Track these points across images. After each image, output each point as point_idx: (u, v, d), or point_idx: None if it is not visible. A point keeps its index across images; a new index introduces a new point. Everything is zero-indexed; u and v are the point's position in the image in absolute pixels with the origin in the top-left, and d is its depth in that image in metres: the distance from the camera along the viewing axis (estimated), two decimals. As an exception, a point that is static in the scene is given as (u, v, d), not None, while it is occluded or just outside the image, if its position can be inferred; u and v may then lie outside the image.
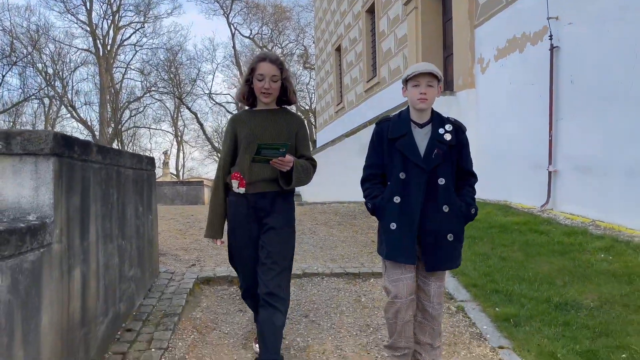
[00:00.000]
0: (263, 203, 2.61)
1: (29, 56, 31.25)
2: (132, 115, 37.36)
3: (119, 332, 3.12)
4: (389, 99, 10.89)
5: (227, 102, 36.41)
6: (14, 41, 29.63)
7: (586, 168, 5.47)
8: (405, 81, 2.44)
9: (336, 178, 8.03)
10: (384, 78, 12.31)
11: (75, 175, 2.51)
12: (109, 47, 35.71)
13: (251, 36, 35.89)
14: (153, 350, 2.94)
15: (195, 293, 3.81)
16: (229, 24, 35.17)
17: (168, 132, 40.23)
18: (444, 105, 8.09)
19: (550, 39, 5.97)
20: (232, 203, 2.69)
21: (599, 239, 4.37)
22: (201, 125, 35.81)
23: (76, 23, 37.86)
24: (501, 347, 2.94)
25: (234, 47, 35.68)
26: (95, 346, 2.76)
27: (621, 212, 4.94)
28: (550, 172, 5.99)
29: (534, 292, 3.55)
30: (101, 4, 34.51)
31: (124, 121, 36.49)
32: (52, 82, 33.97)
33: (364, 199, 2.54)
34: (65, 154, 2.38)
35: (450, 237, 2.38)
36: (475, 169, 2.52)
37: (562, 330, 3.01)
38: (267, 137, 2.60)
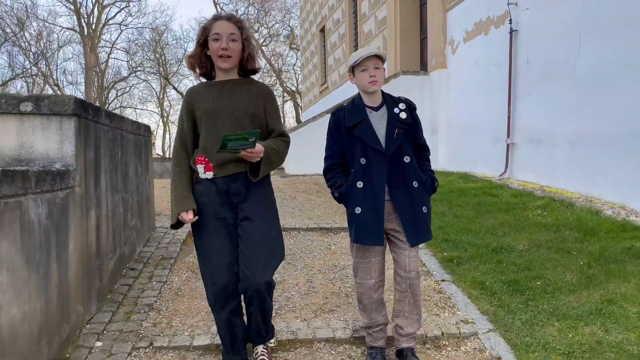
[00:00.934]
0: (236, 187, 2.28)
1: (14, 36, 31.06)
2: (119, 95, 37.44)
3: (124, 270, 3.70)
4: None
5: (214, 83, 36.47)
6: (1, 20, 29.43)
7: (537, 140, 6.11)
8: (352, 68, 2.45)
9: (318, 152, 8.58)
10: (365, 59, 12.82)
11: (90, 134, 3.05)
12: (93, 27, 35.54)
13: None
14: (154, 283, 3.53)
15: (187, 243, 4.39)
16: (215, 3, 35.14)
17: (154, 112, 40.38)
18: (418, 85, 8.70)
19: (510, 23, 6.55)
20: (199, 193, 2.30)
21: (539, 199, 5.03)
22: (188, 105, 35.97)
23: (60, 1, 37.53)
24: (443, 280, 3.57)
25: (220, 27, 35.69)
26: (106, 277, 3.34)
27: (564, 178, 5.60)
28: (508, 145, 6.63)
29: (478, 240, 4.19)
30: (86, -18, 34.19)
31: (110, 101, 36.54)
32: (37, 61, 33.82)
33: (329, 189, 2.54)
34: (83, 115, 2.93)
35: (424, 209, 2.44)
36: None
37: (494, 267, 3.65)
38: (229, 113, 2.27)
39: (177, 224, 2.33)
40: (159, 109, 39.05)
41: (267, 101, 2.39)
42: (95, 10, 35.16)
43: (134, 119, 4.55)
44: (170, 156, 2.30)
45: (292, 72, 36.03)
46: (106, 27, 36.32)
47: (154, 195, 4.90)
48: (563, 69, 5.65)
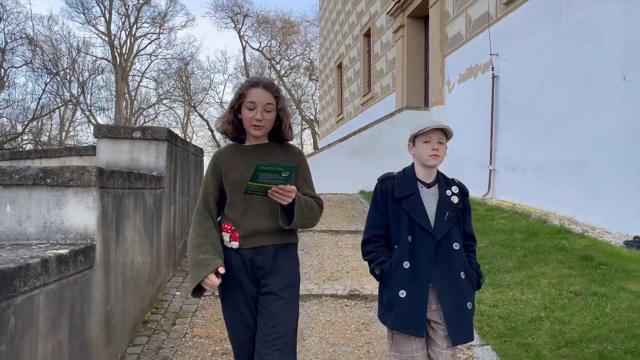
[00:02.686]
0: (261, 260, 2.13)
1: (63, 71, 33.27)
2: (146, 121, 39.55)
3: (185, 253, 5.07)
4: (381, 111, 12.85)
5: (236, 111, 38.36)
6: (54, 54, 31.75)
7: (512, 167, 7.39)
8: (414, 137, 2.26)
9: (331, 174, 9.97)
10: (377, 93, 14.29)
11: (173, 153, 4.47)
12: (125, 57, 37.93)
13: (260, 48, 38.04)
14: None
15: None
16: (240, 37, 37.37)
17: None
18: (420, 118, 10.06)
19: (492, 70, 7.92)
20: (225, 262, 2.13)
21: (505, 212, 6.29)
22: (212, 131, 37.83)
23: (96, 33, 40.13)
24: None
25: (244, 59, 37.82)
26: (177, 254, 4.71)
27: (532, 198, 6.85)
28: (490, 170, 7.92)
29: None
30: (120, 16, 36.74)
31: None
32: (70, 88, 36.10)
33: (368, 264, 2.29)
34: (171, 140, 4.35)
35: (469, 305, 2.18)
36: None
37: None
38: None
39: (198, 291, 2.11)
40: (183, 134, 41.11)
41: (298, 166, 2.21)
42: (128, 42, 37.69)
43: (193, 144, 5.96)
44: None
45: (311, 101, 37.84)
46: (137, 57, 38.83)
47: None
48: (532, 109, 6.96)
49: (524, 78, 7.21)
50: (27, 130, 23.11)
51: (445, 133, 2.22)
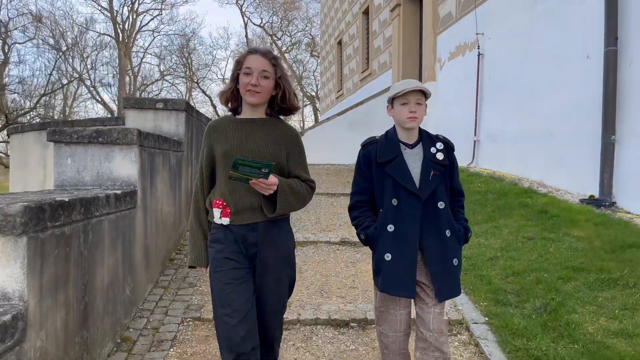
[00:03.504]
0: (253, 237, 2.11)
1: (55, 41, 33.65)
2: (150, 97, 40.09)
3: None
4: (378, 87, 13.49)
5: (238, 87, 38.83)
6: (58, 29, 32.07)
7: (493, 137, 8.10)
8: (392, 99, 2.27)
9: (330, 146, 10.70)
10: (374, 70, 14.89)
11: (190, 122, 5.19)
12: (127, 33, 38.24)
13: (262, 24, 38.30)
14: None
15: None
16: (242, 13, 37.61)
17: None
18: (412, 93, 10.73)
19: (478, 49, 8.55)
20: (216, 240, 2.14)
21: (483, 177, 7.03)
22: (214, 107, 38.40)
23: (98, 9, 40.37)
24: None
25: (246, 35, 38.14)
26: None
27: (510, 165, 7.56)
28: (474, 141, 8.63)
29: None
30: (122, -9, 36.90)
31: (141, 102, 39.21)
32: (73, 64, 36.50)
33: (355, 228, 2.35)
34: (188, 110, 5.06)
35: (455, 261, 2.23)
36: None
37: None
38: (248, 154, 2.10)
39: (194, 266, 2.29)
40: (186, 110, 41.64)
41: (291, 146, 2.20)
42: (130, 18, 37.96)
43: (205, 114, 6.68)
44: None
45: (312, 77, 38.29)
46: (139, 33, 39.14)
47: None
48: (510, 84, 7.63)
49: (504, 56, 7.85)
50: (38, 105, 23.76)
51: (424, 93, 2.23)
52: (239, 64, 2.16)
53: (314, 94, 37.25)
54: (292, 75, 35.94)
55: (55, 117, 30.67)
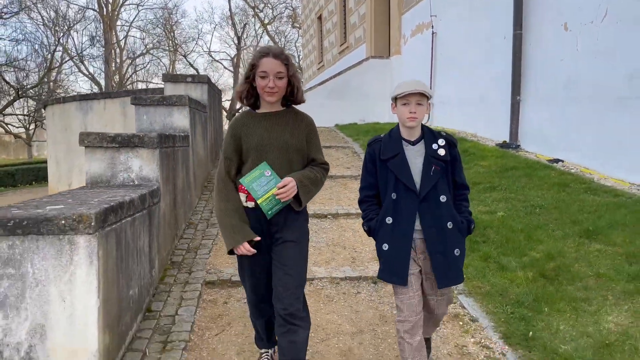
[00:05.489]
0: (275, 218, 2.37)
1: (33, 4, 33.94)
2: (136, 70, 41.14)
3: (206, 184, 7.73)
4: (355, 59, 15.31)
5: (223, 59, 39.85)
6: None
7: (443, 102, 10.09)
8: (395, 98, 2.38)
9: (312, 111, 12.46)
10: (351, 44, 16.67)
11: (210, 91, 7.05)
12: (111, 6, 38.91)
13: (244, -3, 39.32)
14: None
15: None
16: (224, -14, 38.45)
17: (162, 86, 44.02)
18: (383, 66, 12.61)
19: (432, 29, 10.45)
20: None
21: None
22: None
23: (82, -17, 40.78)
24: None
25: (230, 9, 39.22)
26: (199, 188, 7.40)
27: (455, 123, 9.58)
28: (429, 104, 10.60)
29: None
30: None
31: (128, 76, 40.30)
32: (59, 39, 37.17)
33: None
34: (209, 83, 6.93)
35: (457, 252, 2.36)
36: None
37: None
38: (277, 147, 2.36)
39: (232, 253, 2.41)
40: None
41: (310, 133, 2.47)
42: (114, -9, 38.56)
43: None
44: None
45: (294, 48, 39.67)
46: (123, 7, 39.86)
47: (224, 139, 8.95)
48: (457, 58, 9.58)
49: (451, 36, 9.79)
50: (44, 79, 25.08)
51: (425, 95, 2.33)
52: (253, 67, 2.38)
53: (297, 64, 38.71)
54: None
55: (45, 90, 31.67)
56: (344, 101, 12.56)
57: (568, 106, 6.48)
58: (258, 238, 2.38)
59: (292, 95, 2.46)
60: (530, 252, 4.05)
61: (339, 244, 4.73)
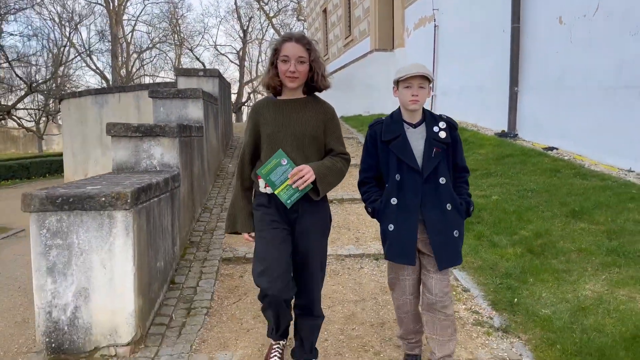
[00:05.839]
0: (294, 205, 2.34)
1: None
2: (143, 64, 41.53)
3: (218, 172, 8.09)
4: (359, 51, 15.60)
5: (229, 53, 40.09)
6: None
7: (445, 92, 10.39)
8: (397, 82, 2.39)
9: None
10: (355, 37, 16.95)
11: (221, 84, 7.40)
12: (118, 1, 39.23)
13: (249, -10, 39.50)
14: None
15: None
16: (230, -20, 38.63)
17: (168, 79, 44.50)
18: (386, 58, 12.90)
19: (435, 21, 10.73)
20: (259, 204, 2.44)
21: (434, 122, 9.36)
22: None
23: (88, -22, 41.07)
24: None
25: (235, 2, 39.45)
26: (213, 175, 7.76)
27: (456, 112, 9.82)
28: (432, 96, 10.91)
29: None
30: (112, -40, 37.71)
31: (135, 70, 40.70)
32: (69, 34, 37.59)
33: (363, 202, 2.54)
34: (220, 77, 7.28)
35: (456, 233, 2.38)
36: None
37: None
38: (290, 135, 2.34)
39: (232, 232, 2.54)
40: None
41: (328, 121, 2.42)
42: (121, -14, 38.86)
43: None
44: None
45: (299, 42, 39.75)
46: (129, 1, 40.20)
47: (233, 131, 9.29)
48: (458, 51, 9.86)
49: (452, 29, 10.07)
50: (55, 74, 25.50)
51: (427, 78, 2.34)
52: (276, 51, 2.37)
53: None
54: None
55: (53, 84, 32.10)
56: (349, 93, 12.87)
57: (562, 96, 6.78)
58: (250, 239, 2.50)
59: (312, 80, 2.41)
60: (520, 231, 4.39)
61: (343, 226, 5.08)
